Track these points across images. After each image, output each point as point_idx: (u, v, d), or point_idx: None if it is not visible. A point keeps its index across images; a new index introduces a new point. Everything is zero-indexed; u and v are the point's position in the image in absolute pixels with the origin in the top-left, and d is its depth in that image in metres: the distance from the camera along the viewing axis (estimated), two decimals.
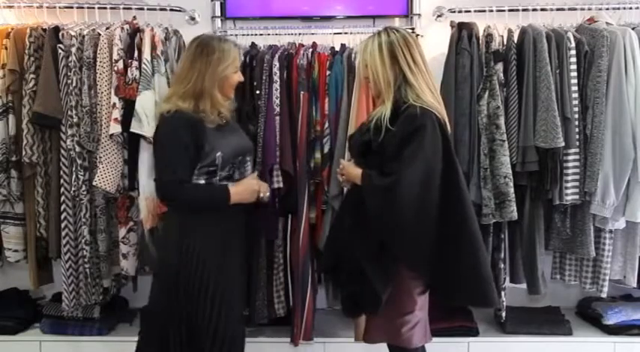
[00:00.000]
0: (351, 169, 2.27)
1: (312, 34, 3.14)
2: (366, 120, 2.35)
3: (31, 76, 2.84)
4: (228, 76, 2.27)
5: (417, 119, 2.09)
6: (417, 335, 2.24)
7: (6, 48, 2.85)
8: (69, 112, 2.83)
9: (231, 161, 2.26)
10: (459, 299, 2.32)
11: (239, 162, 2.30)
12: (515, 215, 2.81)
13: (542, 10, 3.03)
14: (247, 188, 2.30)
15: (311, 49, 2.99)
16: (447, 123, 2.21)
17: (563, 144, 2.76)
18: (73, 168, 2.85)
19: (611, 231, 2.92)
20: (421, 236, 2.10)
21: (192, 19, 3.23)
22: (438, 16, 3.18)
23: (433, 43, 3.21)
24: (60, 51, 2.83)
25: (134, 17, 2.98)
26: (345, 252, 2.24)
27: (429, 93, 2.17)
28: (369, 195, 2.15)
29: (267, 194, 2.41)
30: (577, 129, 2.85)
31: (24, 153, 2.83)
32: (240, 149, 2.32)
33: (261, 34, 3.11)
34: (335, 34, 3.13)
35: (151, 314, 2.36)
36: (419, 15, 3.23)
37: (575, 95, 2.84)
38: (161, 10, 3.10)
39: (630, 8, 3.05)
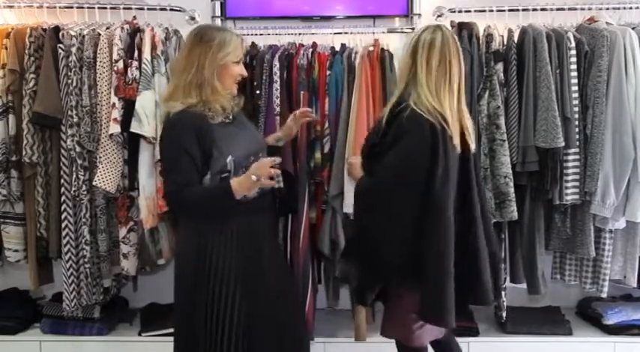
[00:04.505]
0: (357, 170, 2.30)
1: (312, 34, 3.14)
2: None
3: (31, 75, 2.83)
4: (227, 65, 2.14)
5: (404, 123, 2.08)
6: (426, 333, 2.24)
7: (6, 48, 2.85)
8: (69, 112, 2.83)
9: (244, 163, 2.12)
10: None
11: (252, 162, 2.14)
12: (515, 215, 2.81)
13: (542, 10, 3.03)
14: (245, 174, 2.09)
15: (311, 49, 2.99)
16: (448, 128, 2.09)
17: (563, 144, 2.76)
18: (73, 168, 2.85)
19: (611, 231, 2.92)
20: (394, 239, 2.11)
21: (192, 19, 3.23)
22: (438, 16, 3.18)
23: None
24: (60, 51, 2.83)
25: (134, 17, 2.98)
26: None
27: (431, 97, 2.10)
28: (354, 197, 2.26)
29: (273, 184, 2.11)
30: (577, 129, 2.85)
31: (24, 153, 2.83)
32: (252, 149, 2.20)
33: (261, 34, 3.11)
34: (335, 34, 3.13)
35: (176, 318, 2.27)
36: (419, 15, 3.23)
37: (575, 95, 2.84)
38: (161, 10, 3.11)
39: (630, 8, 3.06)
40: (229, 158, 2.09)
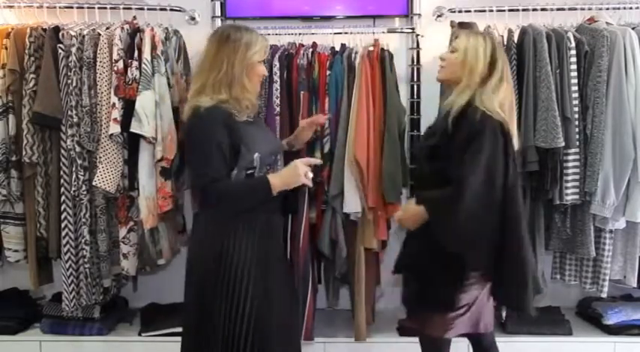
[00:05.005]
0: (410, 212, 2.26)
1: (312, 34, 3.14)
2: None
3: (31, 76, 2.83)
4: (254, 64, 2.17)
5: (477, 123, 2.11)
6: (461, 326, 2.28)
7: (6, 48, 2.85)
8: (69, 112, 2.83)
9: (268, 161, 2.20)
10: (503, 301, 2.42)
11: (272, 161, 2.24)
12: None
13: (542, 10, 3.03)
14: (290, 169, 2.18)
15: (311, 49, 2.99)
16: (510, 131, 2.17)
17: (563, 144, 2.76)
18: (73, 168, 2.85)
19: (611, 231, 2.92)
20: (486, 240, 2.13)
21: (192, 19, 3.23)
22: (438, 16, 3.19)
23: (433, 43, 3.21)
24: (60, 51, 2.83)
25: (134, 17, 2.98)
26: (415, 252, 2.30)
27: (497, 102, 2.17)
28: (436, 220, 2.16)
29: (310, 175, 2.20)
30: (577, 129, 2.85)
31: (24, 153, 2.83)
32: (274, 147, 2.28)
33: (261, 34, 3.10)
34: (335, 34, 3.12)
35: (188, 319, 2.28)
36: (419, 15, 3.23)
37: (575, 95, 2.84)
38: (161, 10, 3.11)
39: (630, 8, 3.06)
40: (256, 154, 2.14)
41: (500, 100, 2.17)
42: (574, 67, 2.83)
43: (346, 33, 3.11)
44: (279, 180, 2.15)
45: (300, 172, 2.15)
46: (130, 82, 2.78)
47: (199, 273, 2.20)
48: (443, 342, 2.33)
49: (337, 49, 3.05)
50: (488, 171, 2.08)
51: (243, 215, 2.16)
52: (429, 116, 3.11)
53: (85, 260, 2.87)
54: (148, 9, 3.09)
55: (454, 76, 2.23)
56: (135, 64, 2.79)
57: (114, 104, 2.75)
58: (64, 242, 2.89)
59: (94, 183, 2.81)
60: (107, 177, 2.80)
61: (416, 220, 2.23)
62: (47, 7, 2.99)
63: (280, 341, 2.23)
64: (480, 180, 2.07)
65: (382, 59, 2.92)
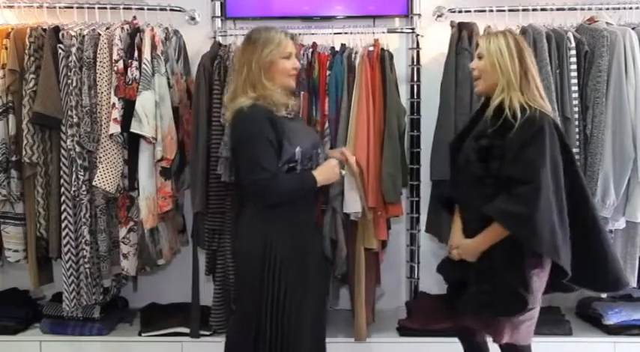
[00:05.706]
0: (468, 246, 2.22)
1: (312, 34, 3.14)
2: (466, 124, 2.38)
3: (31, 76, 2.83)
4: (275, 61, 2.23)
5: (537, 122, 2.10)
6: (532, 331, 2.26)
7: (6, 48, 2.85)
8: (69, 112, 2.83)
9: (308, 155, 2.26)
10: (602, 288, 2.42)
11: (314, 154, 2.31)
12: None
13: (542, 10, 3.04)
14: (328, 166, 2.31)
15: (311, 49, 2.99)
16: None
17: None
18: (73, 168, 2.85)
19: (611, 231, 2.91)
20: (565, 234, 2.11)
21: (192, 19, 3.23)
22: (438, 16, 3.19)
23: (433, 43, 3.22)
24: (60, 51, 2.83)
25: (134, 17, 2.99)
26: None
27: (539, 97, 2.18)
28: (511, 228, 2.10)
29: (344, 172, 2.40)
30: (577, 129, 2.85)
31: (24, 153, 2.83)
32: (314, 142, 2.34)
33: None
34: (335, 34, 3.12)
35: (240, 317, 2.36)
36: (419, 15, 3.23)
37: (575, 95, 2.84)
38: (161, 10, 3.11)
39: (630, 8, 3.06)
40: (297, 148, 2.20)
41: (539, 91, 2.20)
42: (574, 67, 2.83)
43: (346, 33, 3.11)
44: (323, 176, 2.27)
45: (337, 170, 2.31)
46: (130, 82, 2.78)
47: (248, 271, 2.26)
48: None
49: (337, 49, 3.04)
50: (554, 169, 2.08)
51: (286, 211, 2.22)
52: (429, 116, 3.12)
53: (85, 260, 2.87)
54: (148, 9, 3.09)
55: (491, 81, 2.21)
56: (135, 64, 2.79)
57: (114, 104, 2.76)
58: (64, 242, 2.89)
59: (94, 183, 2.81)
60: (107, 177, 2.80)
61: (476, 253, 2.19)
62: (47, 7, 3.00)
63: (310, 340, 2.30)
64: (549, 181, 2.06)
65: (382, 59, 2.91)
